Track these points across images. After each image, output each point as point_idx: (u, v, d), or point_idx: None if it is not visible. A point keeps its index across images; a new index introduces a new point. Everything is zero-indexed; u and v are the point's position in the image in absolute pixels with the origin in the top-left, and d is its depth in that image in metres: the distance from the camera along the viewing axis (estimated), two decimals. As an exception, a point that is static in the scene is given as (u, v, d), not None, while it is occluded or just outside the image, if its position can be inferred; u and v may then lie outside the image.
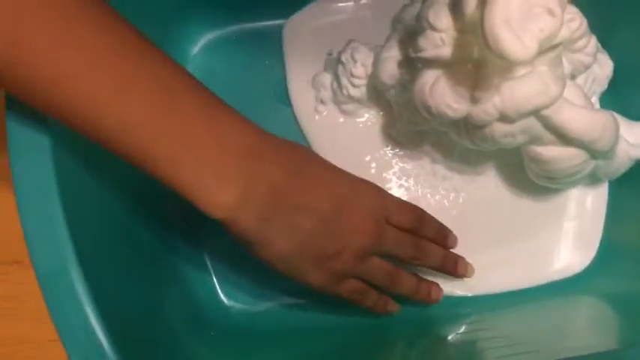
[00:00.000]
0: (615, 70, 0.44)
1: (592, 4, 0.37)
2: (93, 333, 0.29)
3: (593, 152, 0.38)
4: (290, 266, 0.36)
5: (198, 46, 0.49)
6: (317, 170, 0.37)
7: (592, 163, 0.40)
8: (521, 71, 0.35)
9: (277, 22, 0.48)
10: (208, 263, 0.44)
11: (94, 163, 0.34)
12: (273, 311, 0.44)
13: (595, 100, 0.44)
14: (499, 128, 0.37)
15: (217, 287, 0.44)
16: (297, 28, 0.48)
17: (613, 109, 0.44)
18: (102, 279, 0.31)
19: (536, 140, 0.38)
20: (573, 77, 0.40)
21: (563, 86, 0.36)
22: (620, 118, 0.42)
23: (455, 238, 0.44)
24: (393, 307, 0.42)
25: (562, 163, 0.39)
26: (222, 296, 0.44)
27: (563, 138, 0.37)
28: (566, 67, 0.38)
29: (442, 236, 0.43)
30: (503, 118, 0.36)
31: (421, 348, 0.40)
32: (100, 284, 0.30)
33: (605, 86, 0.44)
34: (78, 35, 0.28)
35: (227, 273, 0.44)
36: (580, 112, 0.37)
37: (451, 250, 0.44)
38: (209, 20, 0.48)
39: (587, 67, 0.39)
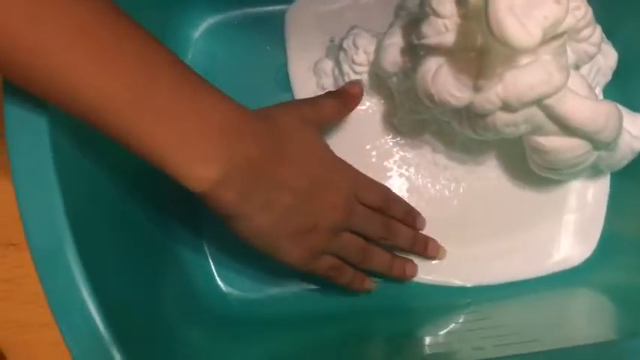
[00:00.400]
0: (619, 62, 0.43)
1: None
2: (89, 316, 0.28)
3: (596, 143, 0.38)
4: (267, 242, 0.36)
5: (200, 31, 0.48)
6: (296, 147, 0.37)
7: (594, 154, 0.39)
8: (525, 60, 0.35)
9: (280, 7, 0.48)
10: (206, 249, 0.44)
11: (92, 145, 0.34)
12: (270, 298, 0.44)
13: (599, 91, 0.44)
14: (501, 117, 0.37)
15: (215, 274, 0.44)
16: (299, 13, 0.47)
17: (616, 101, 0.43)
18: (98, 262, 0.30)
19: (539, 130, 0.38)
20: (577, 67, 0.39)
21: (567, 75, 0.35)
22: (623, 110, 0.42)
23: (423, 221, 0.45)
24: (370, 284, 0.43)
25: (564, 153, 0.39)
26: (219, 283, 0.44)
27: (566, 128, 0.37)
28: (571, 57, 0.38)
29: (411, 217, 0.44)
30: (506, 107, 0.36)
31: (420, 337, 0.39)
32: (96, 267, 0.29)
33: (609, 77, 0.44)
34: (57, 7, 0.27)
35: (225, 259, 0.44)
36: (584, 102, 0.36)
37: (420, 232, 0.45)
38: (211, 4, 0.48)
39: (591, 57, 0.39)
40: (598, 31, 0.38)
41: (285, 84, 0.47)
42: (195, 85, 0.32)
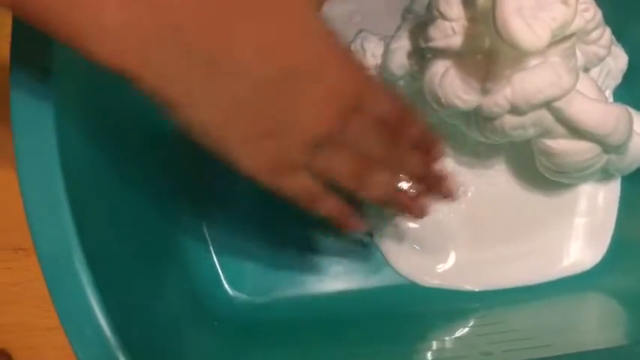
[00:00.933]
0: (630, 64, 0.43)
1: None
2: (95, 320, 0.28)
3: (605, 146, 0.38)
4: (216, 144, 0.28)
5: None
6: (266, 8, 0.27)
7: (604, 158, 0.39)
8: (533, 62, 0.34)
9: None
10: (213, 253, 0.44)
11: (99, 150, 0.34)
12: (277, 303, 0.44)
13: (609, 93, 0.44)
14: (510, 120, 0.36)
15: (222, 277, 0.44)
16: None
17: (627, 104, 0.43)
18: (105, 266, 0.30)
19: (548, 133, 0.38)
20: (587, 70, 0.39)
21: (576, 78, 0.35)
22: (634, 113, 0.41)
23: (440, 151, 0.35)
24: (358, 223, 0.34)
25: (573, 156, 0.38)
26: (226, 286, 0.43)
27: (575, 131, 0.37)
28: (580, 59, 0.37)
29: (426, 144, 0.34)
30: (514, 110, 0.36)
31: (428, 342, 0.39)
32: (102, 271, 0.29)
33: (620, 80, 0.43)
34: None
35: (232, 263, 0.44)
36: (593, 104, 0.36)
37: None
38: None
39: (601, 59, 0.39)
40: (607, 33, 0.38)
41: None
42: None
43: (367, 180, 0.32)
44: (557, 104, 0.35)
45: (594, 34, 0.37)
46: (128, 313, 0.31)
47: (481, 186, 0.45)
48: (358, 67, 0.31)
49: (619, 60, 0.42)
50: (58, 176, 0.29)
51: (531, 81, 0.34)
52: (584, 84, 0.37)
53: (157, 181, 0.42)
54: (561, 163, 0.39)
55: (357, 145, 0.31)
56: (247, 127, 0.28)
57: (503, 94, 0.35)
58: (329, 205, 0.32)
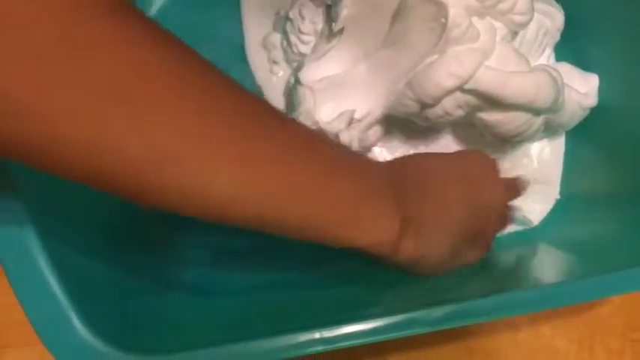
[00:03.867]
0: (570, 22, 0.44)
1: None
2: (46, 283, 0.28)
3: (533, 111, 0.39)
4: (442, 267, 0.36)
5: (157, 5, 0.48)
6: (439, 169, 0.37)
7: (538, 119, 0.40)
8: (430, 59, 0.37)
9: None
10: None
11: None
12: (235, 269, 0.44)
13: (549, 51, 0.44)
14: (430, 111, 0.38)
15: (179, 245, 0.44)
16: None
17: (568, 60, 0.45)
18: (57, 238, 0.30)
19: (479, 108, 0.39)
20: (515, 34, 0.40)
21: (479, 60, 0.37)
22: (572, 69, 0.43)
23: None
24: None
25: (507, 125, 0.40)
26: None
27: (498, 104, 0.38)
28: (501, 30, 0.38)
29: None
30: (425, 105, 0.38)
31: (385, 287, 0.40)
32: (55, 241, 0.30)
33: (558, 37, 0.44)
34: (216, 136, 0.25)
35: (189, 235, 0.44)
36: (506, 77, 0.37)
37: None
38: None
39: (524, 24, 0.39)
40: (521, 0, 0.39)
41: (244, 60, 0.47)
42: (352, 164, 0.33)
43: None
44: (469, 86, 0.37)
45: (504, 5, 0.37)
46: (84, 278, 0.31)
47: (429, 145, 0.46)
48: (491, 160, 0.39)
49: (556, 19, 0.43)
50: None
51: (427, 78, 0.36)
52: (501, 56, 0.38)
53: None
54: (499, 132, 0.41)
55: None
56: (468, 239, 0.36)
57: (407, 95, 0.38)
58: None
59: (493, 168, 0.39)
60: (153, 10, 0.48)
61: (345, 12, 0.39)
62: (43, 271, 0.29)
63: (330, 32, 0.41)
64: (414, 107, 0.38)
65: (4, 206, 0.28)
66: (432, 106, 0.38)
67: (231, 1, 0.48)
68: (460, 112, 0.38)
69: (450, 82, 0.36)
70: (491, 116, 0.39)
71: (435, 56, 0.37)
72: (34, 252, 0.29)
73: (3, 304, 0.42)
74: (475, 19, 0.37)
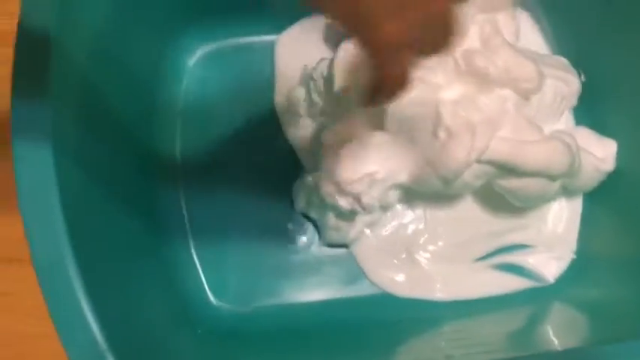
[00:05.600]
0: (589, 87, 0.46)
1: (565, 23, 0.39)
2: (88, 326, 0.30)
3: (549, 177, 0.41)
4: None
5: (195, 58, 0.51)
6: None
7: (556, 184, 0.42)
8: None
9: (271, 37, 0.51)
10: (197, 263, 0.46)
11: (91, 161, 0.36)
12: (258, 311, 0.46)
13: (568, 115, 0.46)
14: (453, 184, 0.40)
15: (205, 287, 0.46)
16: (288, 43, 0.50)
17: (587, 124, 0.46)
18: (96, 275, 0.32)
19: (497, 176, 0.41)
20: (528, 100, 0.42)
21: (492, 131, 0.39)
22: (590, 134, 0.45)
23: None
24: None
25: (524, 190, 0.42)
26: (210, 296, 0.46)
27: (514, 171, 0.40)
28: (512, 97, 0.40)
29: None
30: (446, 181, 0.40)
31: (400, 347, 0.41)
32: (93, 279, 0.31)
33: (575, 102, 0.46)
34: None
35: (215, 271, 0.46)
36: (521, 147, 0.39)
37: None
38: (205, 33, 0.50)
39: (533, 91, 0.41)
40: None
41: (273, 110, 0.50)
42: None
43: None
44: (485, 157, 0.39)
45: (508, 75, 0.40)
46: (117, 321, 0.33)
47: (451, 204, 0.48)
48: None
49: (571, 84, 0.45)
50: (54, 186, 0.31)
51: (446, 155, 0.39)
52: (513, 125, 0.40)
53: (145, 190, 0.45)
54: (519, 196, 0.42)
55: None
56: None
57: (429, 174, 0.40)
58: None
59: None
60: (190, 63, 0.50)
61: None
62: (85, 312, 0.31)
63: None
64: (437, 185, 0.40)
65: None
66: (454, 180, 0.39)
67: (267, 52, 0.51)
68: (479, 182, 0.40)
69: (467, 156, 0.38)
70: (509, 183, 0.41)
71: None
72: (76, 291, 0.31)
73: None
74: (482, 96, 0.39)
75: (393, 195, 0.43)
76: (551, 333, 0.41)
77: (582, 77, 0.46)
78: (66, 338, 0.30)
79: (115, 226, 0.38)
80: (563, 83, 0.44)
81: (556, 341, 0.40)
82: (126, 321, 0.34)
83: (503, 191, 0.42)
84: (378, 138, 0.41)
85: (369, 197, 0.41)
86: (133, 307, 0.37)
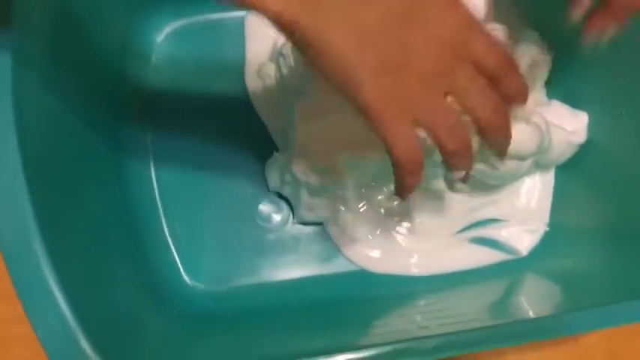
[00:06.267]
0: (560, 61, 0.46)
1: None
2: (58, 309, 0.30)
3: (519, 158, 0.42)
4: (342, 70, 0.29)
5: (164, 35, 0.50)
6: None
7: (526, 162, 0.43)
8: None
9: (241, 13, 0.50)
10: (171, 244, 0.46)
11: (58, 133, 0.35)
12: (234, 291, 0.45)
13: (540, 88, 0.46)
14: None
15: (180, 268, 0.45)
16: (258, 19, 0.49)
17: (558, 98, 0.46)
18: (66, 258, 0.32)
19: None
20: None
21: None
22: (562, 107, 0.45)
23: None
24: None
25: (496, 171, 0.42)
26: (184, 277, 0.45)
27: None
28: None
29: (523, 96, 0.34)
30: None
31: (377, 322, 0.41)
32: (63, 263, 0.31)
33: (545, 77, 0.46)
34: None
35: (189, 252, 0.46)
36: None
37: None
38: (175, 10, 0.49)
39: None
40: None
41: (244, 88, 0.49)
42: None
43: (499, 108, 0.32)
44: None
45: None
46: (90, 303, 0.32)
47: (425, 181, 0.47)
48: (471, 18, 0.31)
49: (542, 58, 0.45)
50: (18, 164, 0.30)
51: None
52: None
53: (116, 168, 0.44)
54: (491, 176, 0.44)
55: (468, 95, 0.31)
56: (378, 56, 0.29)
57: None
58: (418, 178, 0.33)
59: (466, 26, 0.30)
60: (159, 39, 0.49)
61: None
62: (54, 293, 0.30)
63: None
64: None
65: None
66: None
67: (237, 28, 0.50)
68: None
69: None
70: (478, 165, 0.41)
71: None
72: (45, 272, 0.30)
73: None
74: None
75: (366, 171, 0.43)
76: (525, 303, 0.42)
77: (553, 51, 0.46)
78: (35, 319, 0.30)
79: (83, 205, 0.37)
80: (535, 56, 0.44)
81: (530, 311, 0.40)
82: (98, 302, 0.34)
83: (474, 172, 0.42)
84: (348, 112, 0.41)
85: (341, 174, 0.40)
86: (105, 288, 0.36)
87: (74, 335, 0.30)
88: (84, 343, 0.30)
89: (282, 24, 0.28)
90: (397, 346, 0.30)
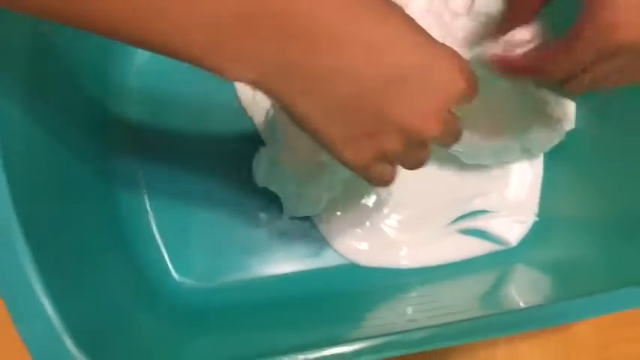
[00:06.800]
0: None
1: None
2: (40, 306, 0.29)
3: None
4: (313, 132, 0.29)
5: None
6: (375, 19, 0.27)
7: (517, 146, 0.42)
8: None
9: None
10: (159, 240, 0.45)
11: (40, 127, 0.35)
12: (224, 287, 0.45)
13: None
14: None
15: (168, 264, 0.45)
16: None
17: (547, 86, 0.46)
18: (50, 259, 0.31)
19: None
20: None
21: None
22: (549, 94, 0.44)
23: None
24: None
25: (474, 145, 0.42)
26: (173, 273, 0.45)
27: None
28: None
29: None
30: None
31: (367, 315, 0.41)
32: (48, 263, 0.30)
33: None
34: None
35: (178, 248, 0.45)
36: None
37: None
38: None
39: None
40: None
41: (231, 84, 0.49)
42: None
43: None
44: None
45: None
46: (75, 302, 0.32)
47: (414, 173, 0.47)
48: (465, 66, 0.29)
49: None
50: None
51: None
52: None
53: (100, 162, 0.44)
54: (470, 153, 0.44)
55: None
56: (348, 129, 0.28)
57: None
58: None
59: (458, 78, 0.28)
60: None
61: None
62: (37, 292, 0.30)
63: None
64: None
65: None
66: None
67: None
68: None
69: None
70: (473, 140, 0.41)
71: None
72: (28, 273, 0.30)
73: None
74: None
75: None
76: (515, 294, 0.42)
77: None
78: (18, 318, 0.29)
79: (68, 202, 0.37)
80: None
81: (520, 301, 0.40)
82: (83, 300, 0.33)
83: (459, 155, 0.42)
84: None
85: (326, 166, 0.40)
86: (91, 286, 0.36)
87: (59, 335, 0.29)
88: (69, 343, 0.29)
89: (259, 89, 0.28)
90: (383, 339, 0.30)
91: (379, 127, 0.28)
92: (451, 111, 0.30)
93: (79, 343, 0.30)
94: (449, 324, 0.31)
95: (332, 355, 0.30)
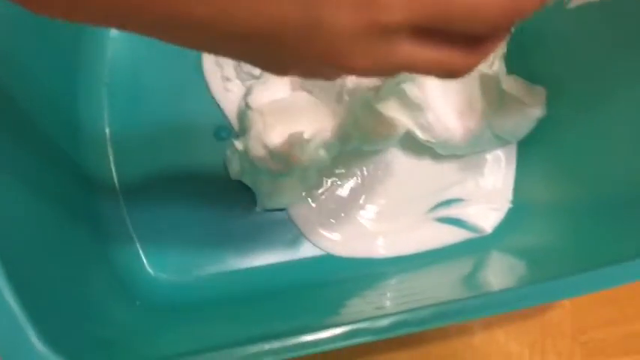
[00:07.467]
0: (519, 37, 0.46)
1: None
2: (4, 301, 0.29)
3: None
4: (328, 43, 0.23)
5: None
6: None
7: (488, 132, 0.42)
8: None
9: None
10: (133, 235, 0.45)
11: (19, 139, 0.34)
12: (199, 281, 0.45)
13: (499, 63, 0.46)
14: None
15: (143, 259, 0.44)
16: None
17: (517, 73, 0.46)
18: (17, 256, 0.31)
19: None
20: None
21: None
22: (520, 81, 0.45)
23: None
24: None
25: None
26: (147, 268, 0.44)
27: None
28: None
29: None
30: None
31: (341, 305, 0.41)
32: (12, 250, 0.30)
33: (504, 49, 0.46)
34: None
35: (152, 242, 0.45)
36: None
37: None
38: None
39: None
40: None
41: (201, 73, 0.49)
42: None
43: None
44: None
45: None
46: (43, 298, 0.31)
47: (387, 160, 0.47)
48: None
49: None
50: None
51: None
52: None
53: (74, 164, 0.43)
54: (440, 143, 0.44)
55: None
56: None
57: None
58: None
59: None
60: (113, 32, 0.49)
61: None
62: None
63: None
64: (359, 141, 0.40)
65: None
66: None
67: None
68: (401, 130, 0.40)
69: None
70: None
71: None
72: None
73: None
74: None
75: (324, 154, 0.42)
76: (491, 280, 0.42)
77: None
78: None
79: (39, 194, 0.36)
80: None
81: (495, 287, 0.40)
82: (53, 296, 0.33)
83: (428, 142, 0.42)
84: (303, 98, 0.40)
85: (298, 158, 0.40)
86: (62, 281, 0.35)
87: (23, 331, 0.29)
88: (33, 337, 0.29)
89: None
90: (350, 326, 0.29)
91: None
92: None
93: (45, 336, 0.29)
94: (414, 309, 0.31)
95: (304, 342, 0.30)
